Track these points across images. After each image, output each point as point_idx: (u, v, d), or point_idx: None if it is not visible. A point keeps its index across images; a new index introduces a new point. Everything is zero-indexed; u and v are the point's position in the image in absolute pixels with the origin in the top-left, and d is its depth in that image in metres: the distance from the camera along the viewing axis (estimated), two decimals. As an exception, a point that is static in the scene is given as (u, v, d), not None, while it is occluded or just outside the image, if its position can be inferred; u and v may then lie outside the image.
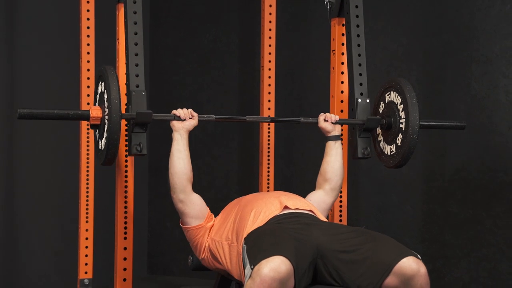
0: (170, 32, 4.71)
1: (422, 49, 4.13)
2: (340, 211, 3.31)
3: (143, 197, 4.75)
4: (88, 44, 3.45)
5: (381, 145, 3.10)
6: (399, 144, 2.95)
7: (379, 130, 3.10)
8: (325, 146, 3.07)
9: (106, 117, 2.62)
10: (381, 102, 3.09)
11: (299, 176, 4.41)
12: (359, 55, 3.19)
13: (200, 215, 2.82)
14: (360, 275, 2.38)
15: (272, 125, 3.78)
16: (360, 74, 3.18)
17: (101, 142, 2.70)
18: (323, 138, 4.25)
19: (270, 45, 3.74)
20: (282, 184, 4.24)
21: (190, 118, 2.83)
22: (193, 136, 4.81)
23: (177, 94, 4.70)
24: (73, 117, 2.70)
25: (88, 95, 3.46)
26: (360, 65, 3.18)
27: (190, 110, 2.84)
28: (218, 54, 4.64)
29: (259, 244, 2.38)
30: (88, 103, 3.45)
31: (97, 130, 2.76)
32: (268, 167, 3.74)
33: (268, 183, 3.76)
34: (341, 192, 3.32)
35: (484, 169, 3.94)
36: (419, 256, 2.37)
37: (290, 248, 2.34)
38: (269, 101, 3.76)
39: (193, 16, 4.70)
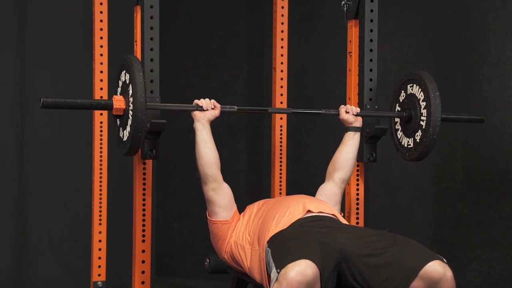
0: (178, 34, 4.70)
1: (433, 50, 4.13)
2: (357, 213, 3.31)
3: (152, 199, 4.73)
4: (101, 46, 3.42)
5: (398, 135, 3.12)
6: (418, 140, 2.98)
7: (397, 119, 3.13)
8: (344, 136, 3.09)
9: (131, 112, 2.60)
10: (402, 91, 3.11)
11: (309, 179, 4.40)
12: (371, 60, 3.22)
13: (229, 206, 2.82)
14: (385, 279, 2.36)
15: (284, 127, 3.76)
16: (371, 80, 3.21)
17: (123, 132, 2.68)
18: (333, 141, 4.27)
19: (282, 47, 3.73)
20: (293, 187, 4.22)
21: (212, 109, 2.82)
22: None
23: (185, 96, 4.68)
24: (96, 107, 2.72)
25: (101, 97, 3.44)
26: (371, 70, 3.22)
27: (212, 100, 2.84)
28: (226, 56, 4.63)
29: (284, 248, 2.36)
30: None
31: (118, 120, 2.74)
32: (280, 170, 3.73)
33: (280, 186, 3.75)
34: (358, 194, 3.31)
35: (495, 171, 3.94)
36: (444, 260, 2.36)
37: (316, 252, 2.32)
38: (281, 102, 3.74)
39: (201, 18, 4.69)
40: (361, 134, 3.11)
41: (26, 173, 3.83)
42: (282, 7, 3.71)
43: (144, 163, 2.96)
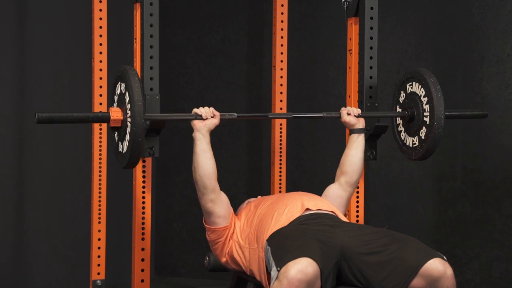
0: (177, 32, 4.69)
1: (433, 48, 4.12)
2: (357, 211, 3.30)
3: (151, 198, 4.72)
4: (100, 44, 3.42)
5: (402, 135, 3.09)
6: (423, 137, 2.93)
7: (399, 121, 3.10)
8: (349, 138, 3.05)
9: (129, 119, 2.56)
10: (402, 92, 3.08)
11: (309, 178, 4.40)
12: (371, 57, 3.21)
13: (227, 214, 2.77)
14: (385, 277, 2.36)
15: (284, 126, 3.76)
16: (371, 77, 3.20)
17: (122, 145, 2.64)
18: (333, 139, 4.27)
19: (282, 45, 3.72)
20: (292, 185, 4.22)
21: (211, 117, 2.77)
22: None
23: (185, 94, 4.68)
24: (93, 119, 2.67)
25: (101, 95, 3.43)
26: (371, 68, 3.20)
27: (211, 108, 2.77)
28: (226, 53, 4.62)
29: (284, 246, 2.36)
30: (100, 103, 3.43)
31: (116, 132, 2.70)
32: (280, 169, 3.73)
33: (280, 185, 3.75)
34: (357, 192, 3.31)
35: (496, 169, 3.93)
36: (445, 257, 2.36)
37: (316, 250, 2.32)
38: (281, 101, 3.74)
39: (200, 16, 4.68)
40: (363, 129, 3.09)
41: (25, 172, 3.82)
42: (282, 5, 3.71)
43: (144, 161, 2.95)
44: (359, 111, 3.02)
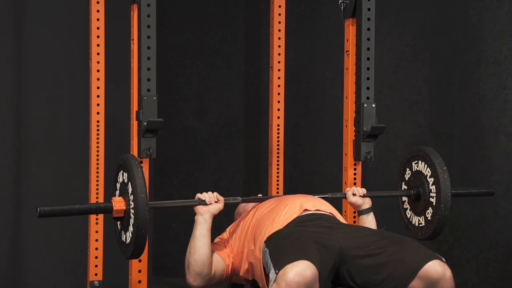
0: (176, 32, 4.69)
1: (430, 49, 4.13)
2: (354, 212, 3.30)
3: (148, 198, 4.72)
4: (98, 45, 3.42)
5: (407, 213, 3.07)
6: (429, 218, 2.91)
7: (405, 198, 3.08)
8: (358, 220, 3.00)
9: (132, 210, 2.49)
10: (407, 169, 3.05)
11: (307, 179, 4.40)
12: (368, 58, 3.21)
13: (223, 270, 2.76)
14: (384, 279, 2.36)
15: (282, 127, 3.77)
16: (368, 78, 3.20)
17: (126, 235, 2.56)
18: (331, 140, 4.27)
19: (279, 46, 3.73)
20: (290, 185, 4.22)
21: (215, 202, 2.73)
22: (198, 137, 4.81)
23: (183, 95, 4.68)
24: (95, 211, 2.62)
25: (98, 96, 3.44)
26: (368, 69, 3.20)
27: (215, 194, 2.74)
28: (224, 54, 4.62)
29: (282, 248, 2.36)
30: (98, 104, 3.43)
31: (119, 222, 2.62)
32: (278, 169, 3.73)
33: (277, 185, 3.75)
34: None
35: (492, 170, 3.94)
36: (443, 259, 2.36)
37: (315, 252, 2.32)
38: (278, 102, 3.75)
39: (199, 17, 4.68)
40: (358, 133, 3.10)
41: (22, 172, 3.82)
42: (280, 6, 3.71)
43: (141, 162, 2.95)
44: (364, 190, 2.99)
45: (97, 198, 3.48)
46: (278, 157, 3.75)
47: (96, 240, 3.45)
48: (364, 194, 2.98)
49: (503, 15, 3.92)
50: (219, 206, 2.73)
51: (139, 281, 2.94)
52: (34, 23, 3.83)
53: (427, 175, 2.91)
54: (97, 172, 3.48)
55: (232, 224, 2.92)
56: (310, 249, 2.33)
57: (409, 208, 3.05)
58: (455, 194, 2.95)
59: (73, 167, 3.98)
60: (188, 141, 4.63)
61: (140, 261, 2.94)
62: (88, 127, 3.50)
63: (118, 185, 2.62)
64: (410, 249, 2.38)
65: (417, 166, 2.98)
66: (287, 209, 2.68)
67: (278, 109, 3.75)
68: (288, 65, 3.79)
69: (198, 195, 2.74)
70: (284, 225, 2.60)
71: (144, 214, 2.43)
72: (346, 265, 2.42)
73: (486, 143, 3.96)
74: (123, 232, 2.59)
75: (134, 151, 2.91)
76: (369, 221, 2.95)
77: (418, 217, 2.98)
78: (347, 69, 3.30)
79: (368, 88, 3.20)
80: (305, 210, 2.68)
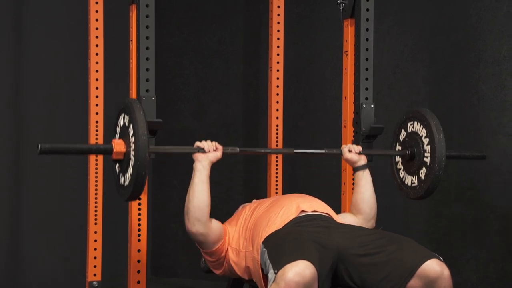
0: (174, 33, 4.69)
1: (429, 49, 4.13)
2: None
3: (147, 198, 4.72)
4: (96, 45, 3.42)
5: (401, 174, 3.08)
6: (423, 178, 2.92)
7: (398, 159, 3.09)
8: (354, 176, 3.03)
9: (132, 152, 2.50)
10: (403, 130, 3.07)
11: (306, 178, 4.40)
12: (367, 59, 3.21)
13: (220, 237, 2.76)
14: (382, 278, 2.36)
15: (280, 127, 3.76)
16: (367, 79, 3.20)
17: (124, 177, 2.57)
18: (329, 140, 4.27)
19: (278, 46, 3.73)
20: (289, 187, 4.22)
21: (214, 150, 2.76)
22: (197, 138, 4.78)
23: (181, 95, 4.68)
24: (96, 151, 2.65)
25: (97, 96, 3.44)
26: (367, 69, 3.20)
27: (214, 142, 2.77)
28: (223, 55, 4.62)
29: (281, 248, 2.36)
30: (96, 104, 3.43)
31: (118, 164, 2.63)
32: (277, 169, 3.73)
33: (276, 185, 3.75)
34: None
35: (491, 170, 3.94)
36: (441, 258, 2.36)
37: (313, 252, 2.32)
38: (277, 102, 3.75)
39: (197, 17, 4.68)
40: (357, 133, 3.11)
41: (21, 172, 3.82)
42: (278, 7, 3.71)
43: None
44: (360, 148, 3.01)
45: (95, 198, 3.48)
46: (277, 157, 3.75)
47: (95, 241, 3.44)
48: (360, 151, 3.00)
49: (502, 16, 3.92)
50: (218, 154, 2.76)
51: (138, 282, 2.95)
52: (33, 23, 3.83)
53: (422, 135, 2.94)
54: (96, 174, 3.48)
55: (232, 217, 2.92)
56: (309, 249, 2.33)
57: (402, 168, 3.07)
58: (449, 156, 2.96)
59: (72, 167, 3.98)
60: (187, 141, 4.58)
61: (139, 261, 2.95)
62: (87, 127, 3.50)
63: (118, 129, 2.63)
64: (408, 249, 2.39)
65: (413, 127, 3.00)
66: (284, 210, 2.68)
67: (277, 110, 3.74)
68: (287, 66, 3.79)
69: (197, 143, 2.77)
70: (281, 226, 2.60)
71: (144, 156, 2.44)
72: (344, 265, 2.42)
73: (485, 143, 3.96)
74: (121, 174, 2.59)
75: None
76: (365, 177, 2.99)
77: (411, 177, 3.00)
78: (345, 69, 3.30)
79: (367, 89, 3.20)
80: (302, 211, 2.68)
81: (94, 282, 3.45)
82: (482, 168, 3.96)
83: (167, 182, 4.72)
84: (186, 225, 2.72)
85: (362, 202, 2.96)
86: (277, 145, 3.74)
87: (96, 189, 3.46)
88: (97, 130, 3.46)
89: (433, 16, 4.13)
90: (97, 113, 3.45)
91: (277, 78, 3.73)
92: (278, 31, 3.72)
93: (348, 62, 3.26)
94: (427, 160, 2.89)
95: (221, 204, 4.28)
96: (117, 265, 3.88)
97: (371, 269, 2.39)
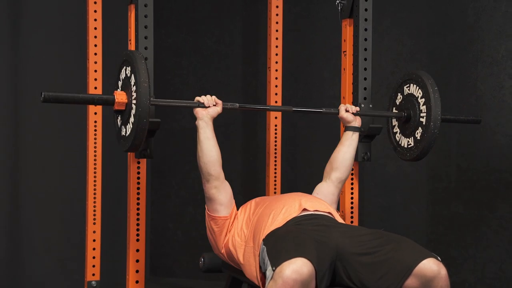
0: (173, 33, 4.69)
1: (427, 49, 4.13)
2: (352, 212, 3.31)
3: (146, 198, 4.72)
4: (95, 45, 3.42)
5: (397, 137, 3.10)
6: (419, 138, 2.96)
7: (395, 122, 3.12)
8: (342, 135, 3.08)
9: (134, 101, 2.53)
10: (399, 94, 3.10)
11: (304, 178, 4.40)
12: (365, 59, 3.22)
13: (229, 203, 2.80)
14: (380, 277, 2.37)
15: (279, 127, 3.76)
16: (365, 79, 3.22)
17: (126, 128, 2.61)
18: (328, 140, 4.27)
19: (277, 46, 3.73)
20: (288, 186, 4.23)
21: (214, 105, 2.79)
22: (196, 138, 4.79)
23: (180, 95, 4.68)
24: (98, 101, 2.64)
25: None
26: (365, 69, 3.22)
27: (214, 97, 2.81)
28: (221, 55, 4.63)
29: (280, 246, 2.36)
30: (95, 113, 3.43)
31: (120, 116, 2.67)
32: (275, 169, 3.73)
33: (275, 186, 3.75)
34: (352, 193, 3.31)
35: (490, 170, 3.95)
36: (439, 258, 2.37)
37: (312, 250, 2.32)
38: (275, 102, 3.74)
39: (196, 17, 4.69)
40: (358, 128, 3.12)
41: (20, 173, 3.82)
42: (277, 6, 3.71)
43: (139, 162, 2.96)
44: (357, 108, 3.07)
45: (94, 198, 3.48)
46: (275, 157, 3.75)
47: (94, 240, 3.44)
48: (357, 111, 3.06)
49: (500, 16, 3.92)
50: (218, 109, 2.80)
51: (137, 281, 2.95)
52: (32, 22, 3.83)
53: (418, 96, 2.97)
54: (95, 175, 3.48)
55: (243, 207, 2.93)
56: (307, 247, 2.34)
57: (398, 131, 3.11)
58: (444, 119, 3.01)
59: (71, 166, 3.99)
60: (186, 141, 4.63)
61: (137, 261, 2.95)
62: (86, 128, 3.50)
63: (120, 83, 2.66)
64: (406, 248, 2.39)
65: (409, 90, 3.04)
66: (286, 208, 2.68)
67: (276, 109, 3.74)
68: (285, 66, 3.80)
69: (197, 98, 2.80)
70: (283, 224, 2.61)
71: (146, 103, 2.47)
72: (343, 263, 2.43)
73: (483, 142, 3.96)
74: (123, 126, 2.63)
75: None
76: (353, 139, 3.04)
77: (407, 139, 3.04)
78: (344, 69, 3.30)
79: (365, 89, 3.22)
80: (304, 209, 2.68)
81: (93, 282, 3.45)
82: (480, 168, 3.96)
83: (165, 182, 4.73)
84: (203, 184, 2.79)
85: (341, 162, 3.03)
86: (275, 145, 3.74)
87: (94, 189, 3.46)
88: (95, 130, 3.47)
89: (431, 16, 4.14)
90: (95, 113, 3.45)
91: (276, 78, 3.73)
92: (277, 31, 3.72)
93: (347, 62, 3.26)
94: (423, 120, 2.93)
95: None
96: (116, 265, 3.88)
97: (369, 268, 2.39)
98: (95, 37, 3.42)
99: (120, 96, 2.61)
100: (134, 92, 2.52)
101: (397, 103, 3.10)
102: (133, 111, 2.54)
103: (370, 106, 3.22)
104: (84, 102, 2.63)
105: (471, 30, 4.00)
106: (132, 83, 2.54)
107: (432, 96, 2.89)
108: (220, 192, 2.77)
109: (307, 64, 4.42)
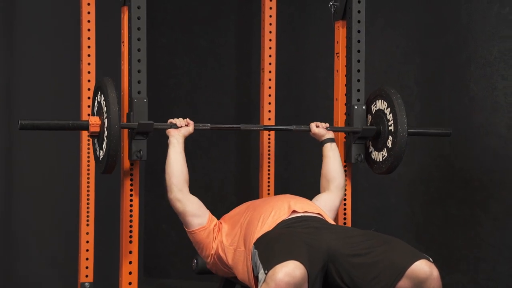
0: (166, 33, 4.69)
1: (420, 51, 4.14)
2: (345, 214, 3.32)
3: (139, 200, 4.71)
4: (88, 47, 3.42)
5: (372, 155, 3.19)
6: (390, 146, 3.04)
7: (368, 143, 3.21)
8: (322, 150, 3.16)
9: (106, 125, 2.68)
10: (369, 115, 3.21)
11: (298, 179, 4.41)
12: (358, 61, 3.24)
13: (200, 213, 2.83)
14: (372, 279, 2.38)
15: (273, 128, 3.77)
16: (358, 80, 3.24)
17: (101, 151, 2.77)
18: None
19: (270, 47, 3.73)
20: (281, 187, 4.23)
21: (186, 125, 2.92)
22: (190, 138, 4.79)
23: (174, 96, 4.68)
24: (72, 127, 2.79)
25: (89, 97, 3.43)
26: (358, 71, 3.24)
27: (186, 118, 2.95)
28: (215, 55, 4.63)
29: (271, 249, 2.37)
30: (89, 106, 3.43)
31: (96, 140, 2.83)
32: (269, 170, 3.73)
33: (268, 186, 3.75)
34: (345, 194, 3.32)
35: (483, 170, 3.95)
36: (431, 259, 2.38)
37: (303, 253, 2.33)
38: (269, 103, 3.74)
39: (190, 17, 4.69)
40: (349, 135, 3.14)
41: (14, 173, 3.82)
42: (271, 8, 3.71)
43: (132, 164, 2.96)
44: (327, 124, 3.17)
45: (87, 199, 3.48)
46: (269, 158, 3.75)
47: (87, 242, 3.45)
48: (327, 127, 3.16)
49: (493, 17, 3.93)
50: (190, 129, 2.94)
51: (130, 283, 2.95)
52: (25, 24, 3.82)
53: (383, 108, 3.09)
54: (88, 176, 3.48)
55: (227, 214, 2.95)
56: (299, 249, 2.34)
57: (373, 149, 3.19)
58: (412, 133, 3.11)
59: (64, 168, 3.99)
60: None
61: (130, 263, 2.95)
62: (79, 133, 3.50)
63: (96, 104, 2.83)
64: (398, 249, 2.41)
65: (376, 107, 3.16)
66: (275, 210, 2.69)
67: (269, 111, 3.74)
68: (279, 66, 3.80)
69: (170, 120, 2.94)
70: (273, 227, 2.61)
71: (115, 128, 2.64)
72: (335, 265, 2.44)
73: (476, 143, 3.97)
74: (98, 149, 2.80)
75: (125, 153, 2.92)
76: (333, 148, 3.14)
77: (381, 152, 3.12)
78: (337, 71, 3.31)
79: (358, 90, 3.23)
80: (294, 211, 2.69)
81: (86, 283, 3.45)
82: (473, 168, 3.97)
83: (158, 183, 4.71)
84: (167, 197, 2.86)
85: (334, 171, 3.10)
86: (269, 145, 3.74)
87: (88, 191, 3.46)
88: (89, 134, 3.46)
89: (425, 17, 4.14)
90: (89, 114, 3.45)
91: (269, 79, 3.73)
92: (270, 32, 3.72)
93: (340, 64, 3.27)
94: (392, 127, 3.02)
95: (214, 205, 4.28)
96: (109, 266, 3.88)
97: (361, 270, 2.40)
98: (89, 38, 3.42)
99: (93, 120, 2.77)
100: (105, 118, 2.68)
101: (369, 124, 3.21)
102: (105, 134, 2.70)
103: (364, 107, 3.22)
104: (60, 128, 2.79)
105: (464, 31, 4.01)
106: (104, 109, 2.70)
107: (396, 102, 3.01)
108: (184, 204, 2.81)
109: (300, 65, 4.43)
